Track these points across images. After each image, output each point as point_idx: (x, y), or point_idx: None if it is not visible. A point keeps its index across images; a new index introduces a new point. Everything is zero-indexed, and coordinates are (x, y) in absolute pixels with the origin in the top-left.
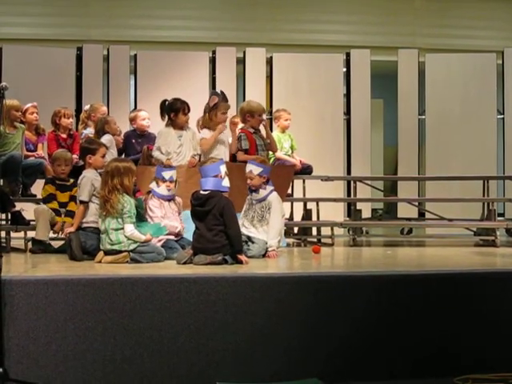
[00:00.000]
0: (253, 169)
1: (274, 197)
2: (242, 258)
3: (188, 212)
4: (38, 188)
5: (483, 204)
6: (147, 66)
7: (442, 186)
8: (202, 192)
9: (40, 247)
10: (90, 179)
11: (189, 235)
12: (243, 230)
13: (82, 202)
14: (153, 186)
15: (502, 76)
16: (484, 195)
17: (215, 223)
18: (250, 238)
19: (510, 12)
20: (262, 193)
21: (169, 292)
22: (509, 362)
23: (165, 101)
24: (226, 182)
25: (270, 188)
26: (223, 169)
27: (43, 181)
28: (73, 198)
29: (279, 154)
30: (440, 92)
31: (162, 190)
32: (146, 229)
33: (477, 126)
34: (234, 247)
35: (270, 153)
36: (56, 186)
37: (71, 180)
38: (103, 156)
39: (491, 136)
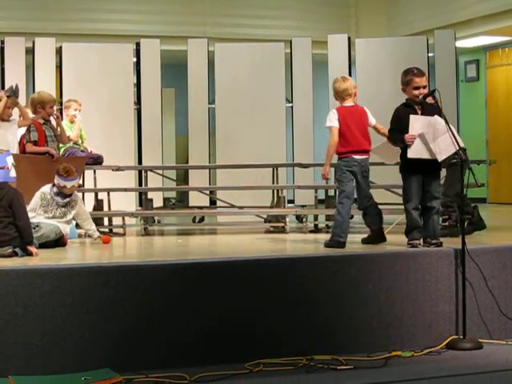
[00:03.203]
0: (67, 184)
1: (76, 193)
2: (32, 249)
3: None
4: None
5: (273, 191)
6: None
7: (232, 174)
8: None
9: None
10: None
11: None
12: (33, 221)
13: None
14: None
15: (291, 65)
16: (274, 183)
17: (4, 215)
18: (38, 225)
19: (298, 1)
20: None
21: None
22: (297, 346)
23: None
24: (13, 173)
25: None
26: (10, 160)
27: None
28: None
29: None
30: (229, 81)
31: None
32: None
33: (266, 114)
34: (23, 239)
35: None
36: None
37: None
38: None
39: (280, 124)
